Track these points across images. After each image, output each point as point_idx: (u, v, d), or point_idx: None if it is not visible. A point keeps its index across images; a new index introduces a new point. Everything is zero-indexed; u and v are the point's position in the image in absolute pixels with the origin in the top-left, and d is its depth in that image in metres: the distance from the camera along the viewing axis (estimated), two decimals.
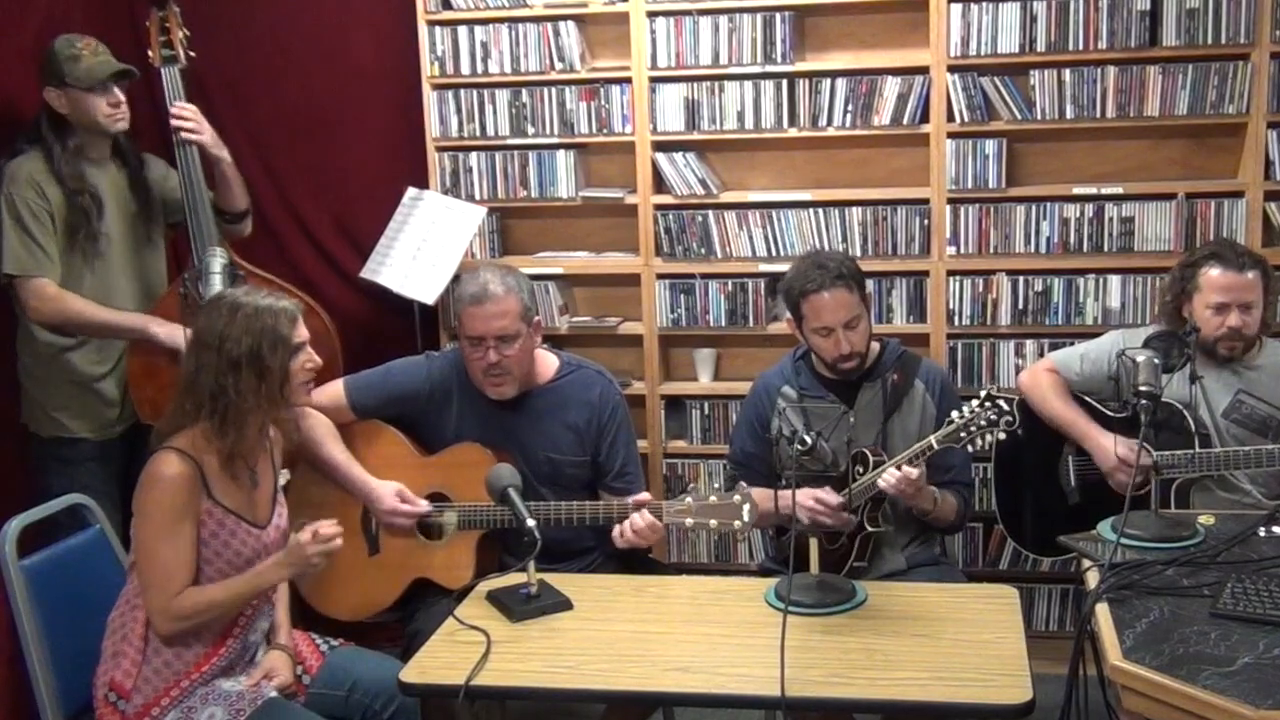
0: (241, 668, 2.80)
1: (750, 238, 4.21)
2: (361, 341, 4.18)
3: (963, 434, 2.87)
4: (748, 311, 4.24)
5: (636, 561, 3.29)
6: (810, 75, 4.11)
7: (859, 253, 4.09)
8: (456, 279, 3.98)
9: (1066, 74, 3.93)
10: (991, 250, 4.07)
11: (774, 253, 4.20)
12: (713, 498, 2.86)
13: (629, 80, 4.19)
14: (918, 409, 3.33)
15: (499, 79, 4.29)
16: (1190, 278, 3.37)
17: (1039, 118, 3.98)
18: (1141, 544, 2.77)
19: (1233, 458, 3.25)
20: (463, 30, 4.26)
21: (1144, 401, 2.80)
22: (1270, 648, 2.25)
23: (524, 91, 4.28)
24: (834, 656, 2.52)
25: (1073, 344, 3.66)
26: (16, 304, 3.47)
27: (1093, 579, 2.63)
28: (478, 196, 4.35)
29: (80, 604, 2.87)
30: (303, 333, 2.77)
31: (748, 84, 4.12)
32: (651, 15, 4.13)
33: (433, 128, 4.34)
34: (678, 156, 4.20)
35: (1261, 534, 2.82)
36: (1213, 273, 3.32)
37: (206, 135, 3.59)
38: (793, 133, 4.14)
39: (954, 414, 2.90)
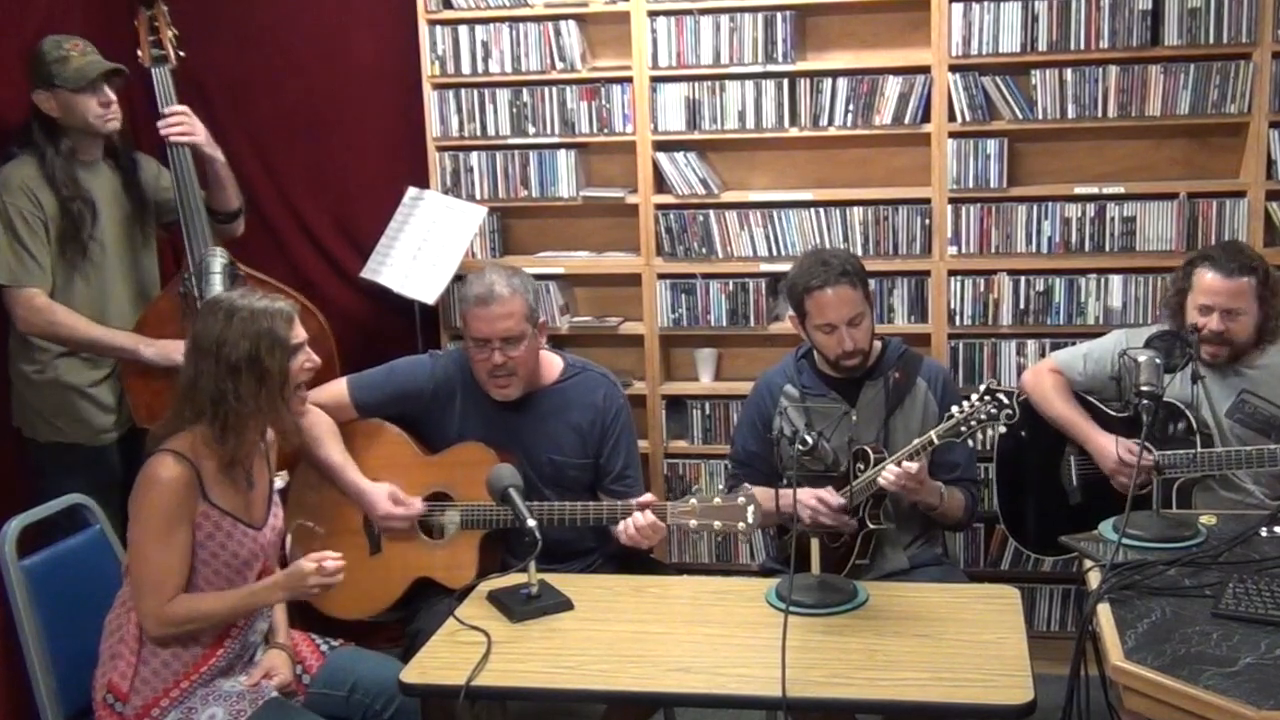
0: (241, 667, 2.80)
1: (751, 237, 4.20)
2: (362, 341, 4.18)
3: (963, 428, 2.87)
4: (749, 311, 4.24)
5: (637, 562, 3.29)
6: (811, 75, 4.10)
7: (860, 252, 4.08)
8: (458, 279, 3.98)
9: (1068, 73, 3.92)
10: (993, 250, 4.07)
11: (775, 252, 4.19)
12: (717, 499, 2.85)
13: (630, 80, 4.18)
14: (919, 407, 3.33)
15: (500, 78, 4.29)
16: (1188, 275, 3.37)
17: (1040, 117, 3.97)
18: (1143, 544, 2.77)
19: (1235, 458, 3.24)
20: (463, 30, 4.26)
21: (1145, 401, 2.80)
22: (1272, 648, 2.25)
23: (525, 91, 4.27)
24: (835, 657, 2.52)
25: (1074, 344, 3.66)
26: (6, 315, 3.42)
27: (1094, 579, 2.63)
28: (478, 196, 4.35)
29: (80, 604, 2.86)
30: (300, 333, 2.76)
31: (749, 83, 4.12)
32: (652, 15, 4.13)
33: (433, 127, 4.34)
34: (679, 156, 4.19)
35: (1263, 534, 2.82)
36: (1204, 274, 3.32)
37: (200, 136, 3.57)
38: (794, 132, 4.14)
39: (954, 409, 2.90)
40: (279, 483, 3.00)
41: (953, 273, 4.09)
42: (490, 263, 4.23)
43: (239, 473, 2.75)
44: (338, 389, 3.32)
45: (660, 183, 4.25)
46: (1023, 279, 4.05)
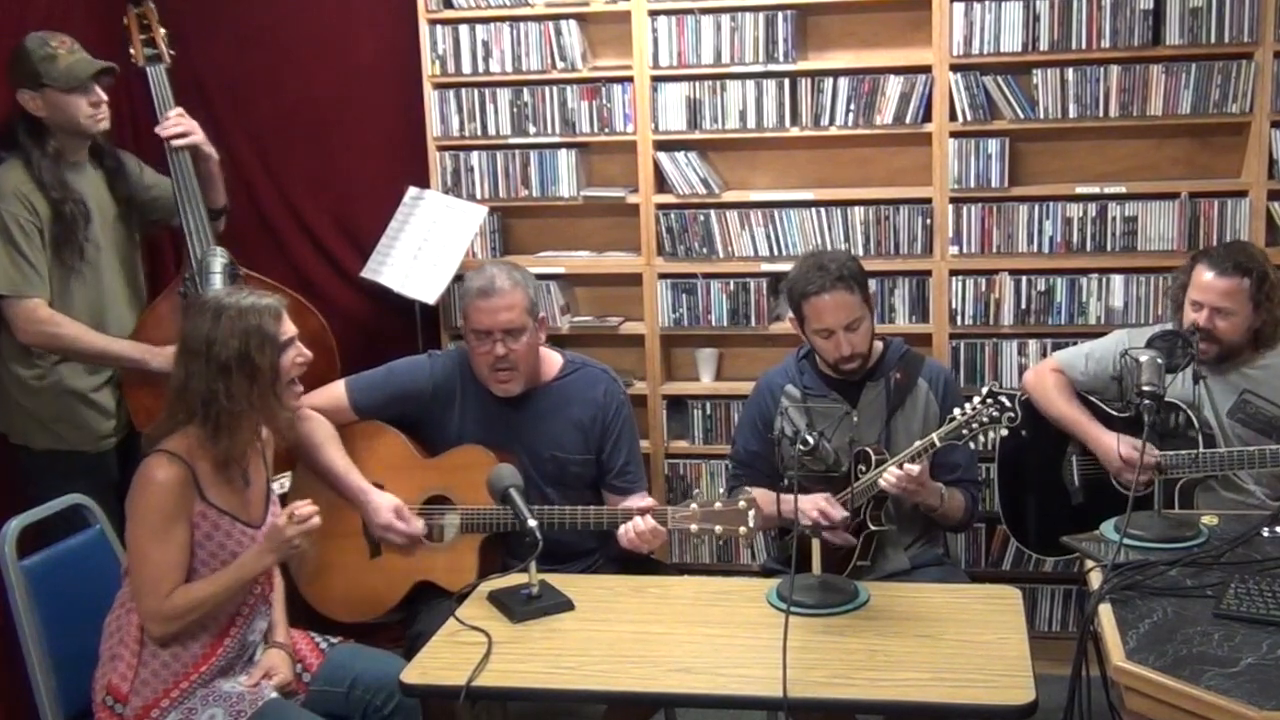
0: (240, 667, 2.79)
1: (752, 237, 4.20)
2: (362, 341, 4.18)
3: (964, 431, 2.87)
4: (750, 311, 4.23)
5: (638, 563, 3.28)
6: (812, 74, 4.10)
7: (861, 252, 4.09)
8: (458, 278, 3.98)
9: (1069, 73, 3.92)
10: (994, 250, 4.06)
11: (776, 252, 4.19)
12: (718, 504, 2.85)
13: (631, 79, 4.18)
14: (921, 408, 3.33)
15: (500, 78, 4.28)
16: (1189, 271, 3.37)
17: (1041, 117, 3.97)
18: (1145, 544, 2.77)
19: (1237, 458, 3.24)
20: (464, 29, 4.26)
21: (1147, 401, 2.79)
22: (1274, 648, 2.25)
23: (525, 90, 4.27)
24: (836, 657, 2.51)
25: (1076, 344, 3.65)
26: (4, 323, 3.34)
27: (1096, 579, 2.63)
28: (479, 196, 4.34)
29: (80, 605, 2.86)
30: (289, 328, 2.75)
31: (749, 83, 4.12)
32: (653, 14, 4.12)
33: (434, 127, 4.34)
34: (679, 156, 4.19)
35: (1265, 534, 2.81)
36: (1201, 271, 3.32)
37: (199, 136, 3.55)
38: (795, 132, 4.13)
39: (956, 411, 2.90)
40: (279, 487, 2.99)
41: (954, 272, 4.09)
42: (490, 260, 4.23)
43: (235, 472, 2.75)
44: (336, 391, 3.31)
45: (661, 182, 4.25)
46: (1024, 279, 4.05)
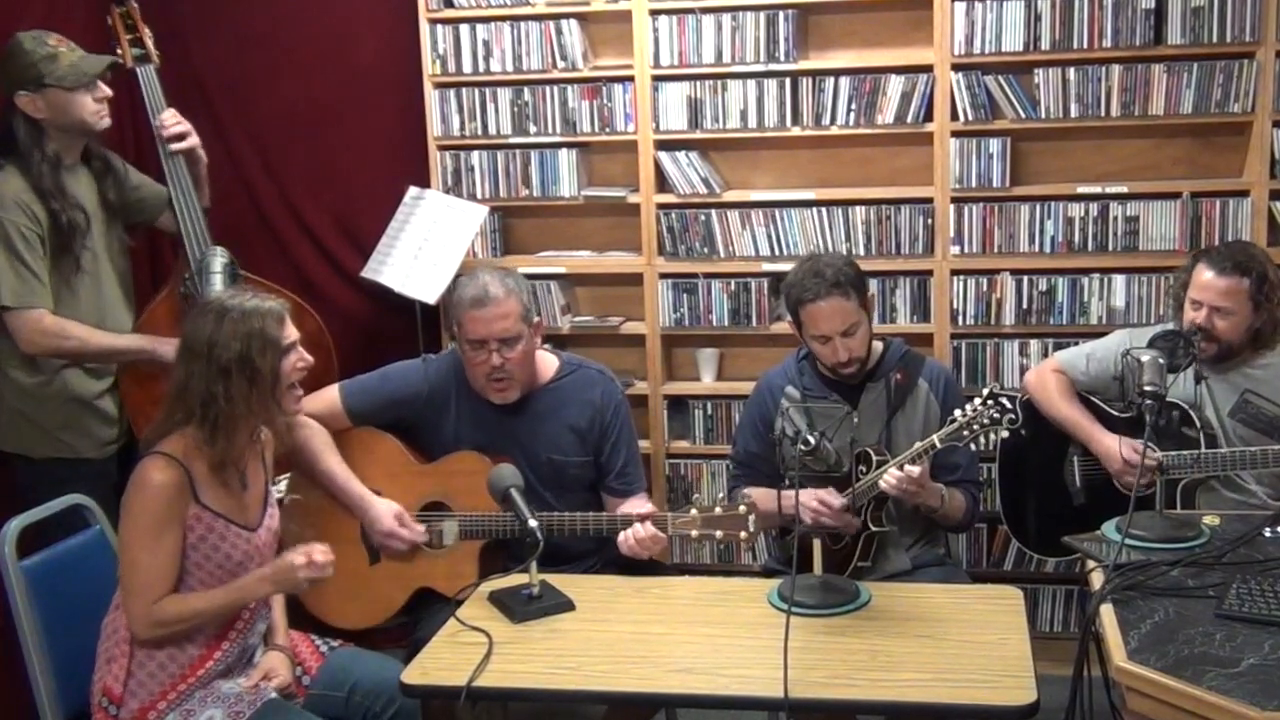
0: (240, 669, 2.79)
1: (753, 237, 4.20)
2: (362, 341, 4.17)
3: (965, 432, 2.87)
4: (751, 311, 4.23)
5: (638, 563, 3.27)
6: (813, 74, 4.09)
7: (862, 252, 4.09)
8: (459, 279, 3.97)
9: (1071, 72, 3.91)
10: (995, 250, 4.06)
11: (777, 252, 4.18)
12: (718, 509, 2.85)
13: (631, 79, 4.17)
14: (921, 408, 3.32)
15: (501, 77, 4.28)
16: (1189, 270, 3.37)
17: (1043, 116, 3.97)
18: (1146, 545, 2.76)
19: (1238, 458, 3.23)
20: (464, 28, 4.26)
21: (1149, 402, 2.79)
22: (1276, 649, 2.25)
23: (526, 90, 4.27)
24: (837, 657, 2.51)
25: (1078, 344, 3.65)
26: (5, 333, 3.28)
27: (1097, 580, 2.62)
28: (479, 195, 4.34)
29: (80, 606, 2.85)
30: (292, 332, 2.74)
31: (750, 82, 4.11)
32: (654, 13, 4.12)
33: (434, 126, 4.33)
34: (680, 155, 4.19)
35: (1267, 535, 2.81)
36: (1201, 270, 3.31)
37: (196, 139, 3.53)
38: (796, 131, 4.13)
39: (956, 412, 2.90)
40: (277, 490, 2.98)
41: (955, 272, 4.08)
42: (481, 264, 4.21)
43: (232, 474, 2.73)
44: (329, 396, 3.28)
45: (662, 182, 4.24)
46: (1025, 279, 4.05)
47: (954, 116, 4.01)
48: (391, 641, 3.50)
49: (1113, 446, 3.35)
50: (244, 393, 2.64)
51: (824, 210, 4.15)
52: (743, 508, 2.80)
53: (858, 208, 4.13)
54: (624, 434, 3.35)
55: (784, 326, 4.06)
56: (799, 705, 2.37)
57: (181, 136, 3.51)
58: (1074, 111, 3.94)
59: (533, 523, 2.79)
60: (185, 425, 2.66)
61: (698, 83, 4.14)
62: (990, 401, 2.84)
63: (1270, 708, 2.02)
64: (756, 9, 4.06)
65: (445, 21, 4.27)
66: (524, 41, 4.23)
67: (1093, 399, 3.51)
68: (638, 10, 4.12)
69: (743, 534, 2.80)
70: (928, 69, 4.01)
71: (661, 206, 4.24)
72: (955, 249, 4.07)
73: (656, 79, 4.16)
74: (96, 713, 2.69)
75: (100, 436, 3.45)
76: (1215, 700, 2.07)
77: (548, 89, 4.25)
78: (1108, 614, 2.43)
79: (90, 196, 3.42)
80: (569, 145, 4.29)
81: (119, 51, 3.52)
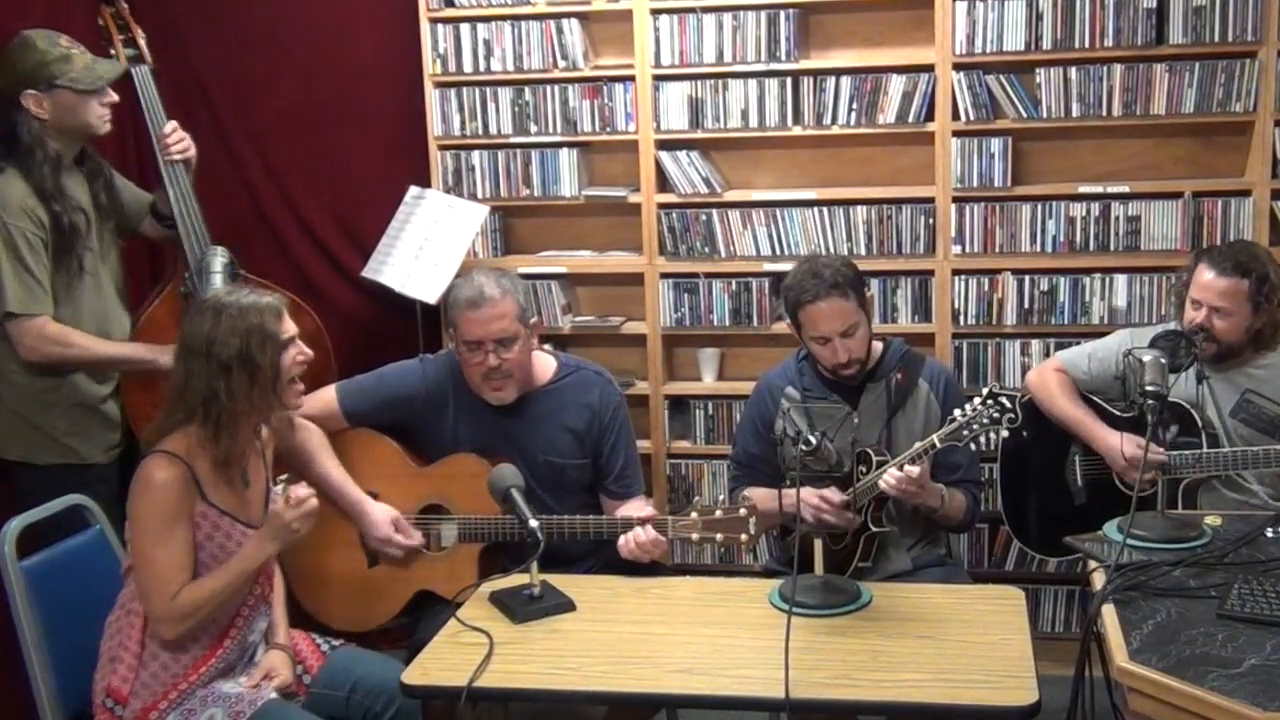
0: (241, 668, 2.79)
1: (754, 237, 4.19)
2: (363, 341, 4.17)
3: (965, 432, 2.86)
4: (752, 311, 4.23)
5: (637, 565, 3.26)
6: (814, 73, 4.09)
7: (863, 252, 4.08)
8: (459, 279, 3.96)
9: (1072, 72, 3.91)
10: (997, 249, 4.05)
11: (778, 252, 4.18)
12: (718, 511, 2.85)
13: (632, 78, 4.17)
14: (922, 408, 3.32)
15: (502, 77, 4.28)
16: (1191, 270, 3.37)
17: (1044, 116, 3.96)
18: (1148, 545, 2.76)
19: (1240, 458, 3.23)
20: (465, 28, 4.25)
21: (1150, 401, 2.79)
22: (1277, 649, 2.24)
23: (527, 90, 4.27)
24: (838, 658, 2.50)
25: (1079, 344, 3.64)
26: (6, 340, 3.25)
27: (1099, 580, 2.62)
28: (480, 195, 4.34)
29: (80, 606, 2.85)
30: (290, 327, 2.74)
31: (752, 82, 4.11)
32: (655, 13, 4.12)
33: (435, 126, 4.33)
34: (681, 155, 4.18)
35: (1269, 535, 2.80)
36: (1202, 270, 3.31)
37: (194, 151, 3.52)
38: (797, 131, 4.12)
39: (956, 412, 2.90)
40: (278, 489, 2.98)
41: (956, 272, 4.08)
42: (477, 265, 4.20)
43: (234, 472, 2.74)
44: (326, 397, 3.27)
45: (663, 182, 4.24)
46: (1027, 278, 4.04)
47: (955, 116, 4.01)
48: (392, 642, 3.50)
49: (1115, 445, 3.35)
50: (245, 389, 2.64)
51: (825, 210, 4.14)
52: (743, 510, 2.80)
53: (859, 207, 4.13)
54: (622, 436, 3.35)
55: (785, 326, 4.05)
56: (800, 706, 2.36)
57: (183, 149, 3.51)
58: (1075, 111, 3.94)
59: (534, 523, 2.79)
60: (187, 424, 2.66)
61: (699, 82, 4.14)
62: (990, 401, 2.83)
63: (1272, 708, 2.02)
64: (757, 8, 4.06)
65: (446, 21, 4.27)
66: (525, 41, 4.22)
67: (1094, 399, 3.50)
68: (638, 10, 4.12)
69: (743, 536, 2.81)
70: (929, 68, 4.00)
71: (662, 206, 4.24)
72: (956, 249, 4.07)
73: (657, 78, 4.16)
74: (100, 713, 2.68)
75: (105, 441, 3.44)
76: (1217, 701, 2.07)
77: (548, 88, 4.25)
78: (1109, 614, 2.42)
79: (85, 198, 3.40)
80: (570, 145, 4.29)
81: (112, 52, 3.51)
